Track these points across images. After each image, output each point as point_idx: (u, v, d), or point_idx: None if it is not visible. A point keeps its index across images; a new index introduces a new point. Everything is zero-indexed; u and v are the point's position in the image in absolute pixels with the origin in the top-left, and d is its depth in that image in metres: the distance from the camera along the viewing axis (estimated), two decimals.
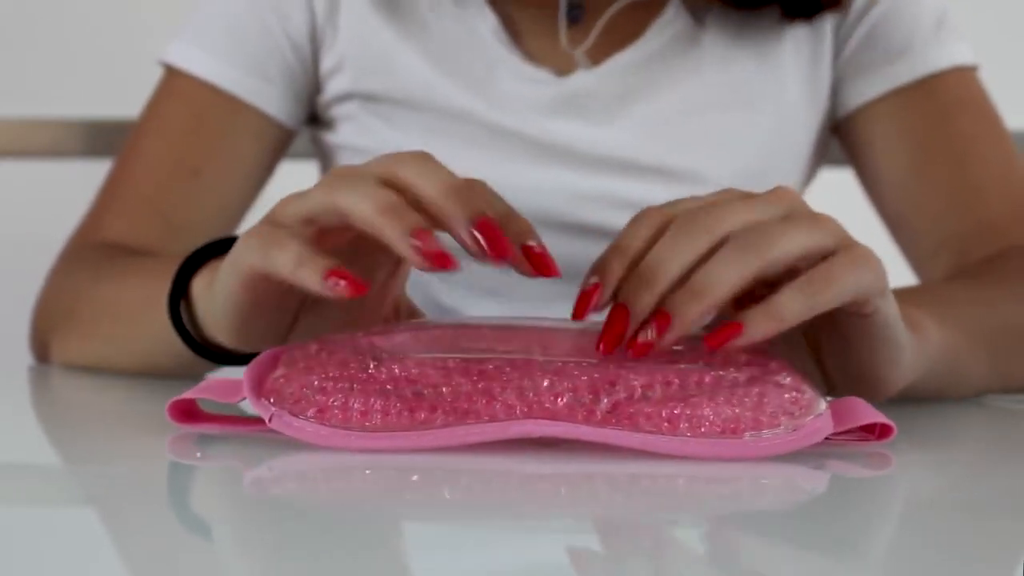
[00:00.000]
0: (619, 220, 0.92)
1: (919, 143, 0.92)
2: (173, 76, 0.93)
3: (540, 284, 0.89)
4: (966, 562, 0.39)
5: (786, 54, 0.93)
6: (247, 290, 0.56)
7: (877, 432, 0.55)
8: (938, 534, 0.43)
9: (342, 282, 0.51)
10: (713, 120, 0.92)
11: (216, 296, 0.59)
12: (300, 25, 0.93)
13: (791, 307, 0.54)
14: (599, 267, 0.56)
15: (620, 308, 0.54)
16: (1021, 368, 0.76)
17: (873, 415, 0.55)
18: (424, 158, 0.54)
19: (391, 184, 0.54)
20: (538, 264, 0.54)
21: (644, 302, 0.54)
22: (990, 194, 0.90)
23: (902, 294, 0.71)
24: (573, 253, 0.91)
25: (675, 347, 0.55)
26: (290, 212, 0.54)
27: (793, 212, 0.56)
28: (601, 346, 0.54)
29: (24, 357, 0.90)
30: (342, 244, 0.55)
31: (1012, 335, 0.75)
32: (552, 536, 0.42)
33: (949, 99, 0.92)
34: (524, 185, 0.90)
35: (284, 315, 0.59)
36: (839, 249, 0.55)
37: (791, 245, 0.54)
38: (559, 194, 0.91)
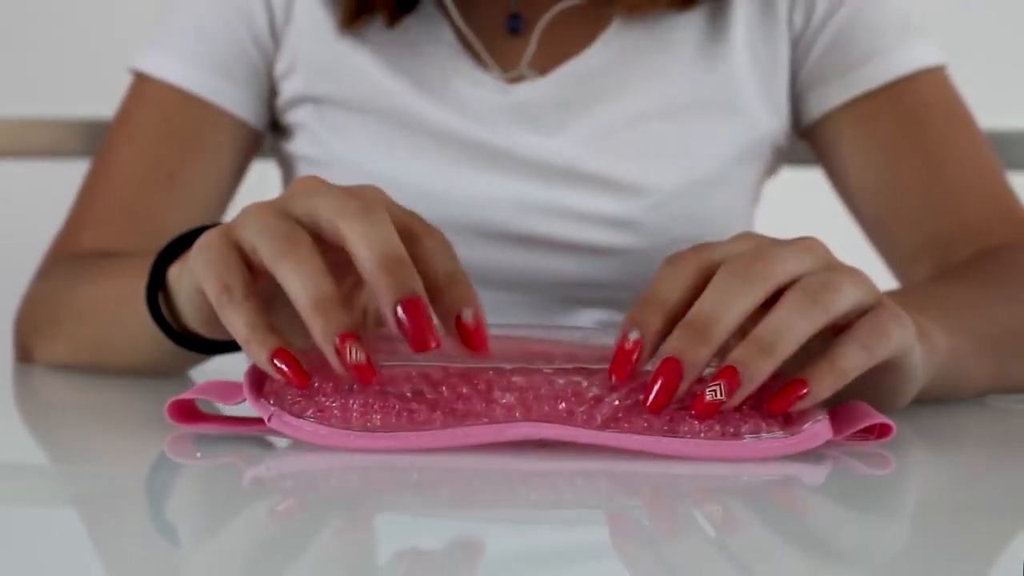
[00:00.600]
0: (563, 230, 0.92)
1: (891, 147, 0.91)
2: (142, 82, 0.94)
3: (489, 293, 0.89)
4: (967, 562, 0.39)
5: (739, 62, 0.92)
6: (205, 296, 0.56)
7: (877, 431, 0.55)
8: (938, 534, 0.43)
9: (285, 368, 0.52)
10: (661, 130, 0.92)
11: (181, 291, 0.62)
12: (261, 25, 0.93)
13: (854, 360, 0.53)
14: (636, 321, 0.53)
15: (672, 362, 0.51)
16: (1021, 370, 0.76)
17: (873, 416, 0.55)
18: (372, 214, 0.52)
19: (336, 240, 0.53)
20: (469, 339, 0.52)
21: (700, 356, 0.51)
22: (967, 194, 0.90)
23: (902, 297, 0.71)
24: (516, 263, 0.91)
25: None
26: (298, 207, 0.54)
27: (832, 264, 0.55)
28: (649, 403, 0.51)
29: None
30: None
31: (1012, 338, 0.75)
32: (552, 533, 0.42)
33: (918, 101, 0.91)
34: (470, 192, 0.90)
35: None
36: (877, 304, 0.55)
37: (850, 299, 0.53)
38: (505, 203, 0.91)
